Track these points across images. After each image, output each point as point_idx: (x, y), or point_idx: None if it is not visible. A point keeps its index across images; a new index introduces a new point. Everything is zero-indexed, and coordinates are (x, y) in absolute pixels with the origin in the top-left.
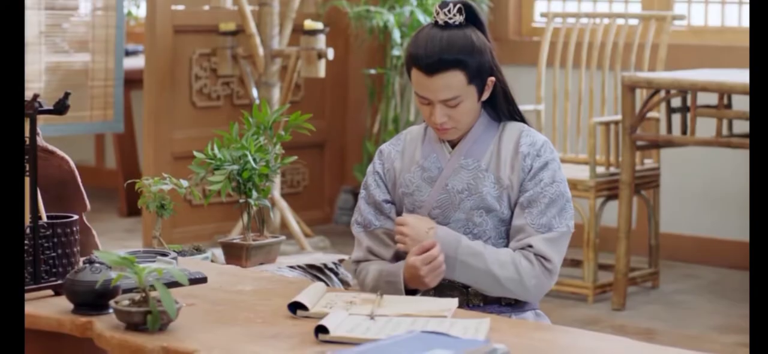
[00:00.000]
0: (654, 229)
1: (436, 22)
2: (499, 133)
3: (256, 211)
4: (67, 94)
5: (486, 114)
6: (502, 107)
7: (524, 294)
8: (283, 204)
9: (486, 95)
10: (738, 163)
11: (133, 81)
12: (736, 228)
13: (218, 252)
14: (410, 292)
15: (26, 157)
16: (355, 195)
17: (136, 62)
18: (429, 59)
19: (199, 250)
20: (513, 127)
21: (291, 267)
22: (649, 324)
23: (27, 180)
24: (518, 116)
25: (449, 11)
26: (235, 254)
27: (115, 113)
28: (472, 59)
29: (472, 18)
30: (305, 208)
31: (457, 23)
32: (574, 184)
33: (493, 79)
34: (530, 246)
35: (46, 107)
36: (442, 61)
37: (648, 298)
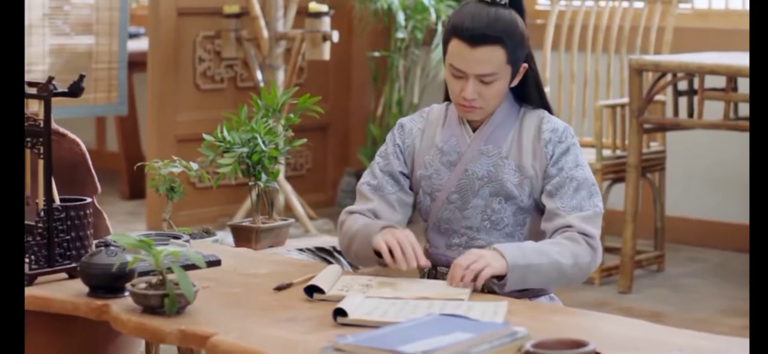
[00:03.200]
0: (660, 212)
1: None
2: (519, 119)
3: (264, 194)
4: (81, 77)
5: (508, 99)
6: (532, 96)
7: (580, 276)
8: (287, 187)
9: (516, 81)
10: (744, 146)
11: (136, 64)
12: (742, 211)
13: (225, 234)
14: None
15: (40, 139)
16: (359, 177)
17: (139, 45)
18: (474, 31)
19: (208, 233)
20: (533, 114)
21: (300, 250)
22: (656, 307)
23: (41, 163)
24: (546, 106)
25: None
26: (244, 237)
27: (118, 96)
28: (513, 41)
29: (516, 2)
30: (309, 191)
31: (503, 2)
32: None
33: (526, 66)
34: (569, 226)
35: (60, 90)
36: (487, 34)
37: (654, 281)
